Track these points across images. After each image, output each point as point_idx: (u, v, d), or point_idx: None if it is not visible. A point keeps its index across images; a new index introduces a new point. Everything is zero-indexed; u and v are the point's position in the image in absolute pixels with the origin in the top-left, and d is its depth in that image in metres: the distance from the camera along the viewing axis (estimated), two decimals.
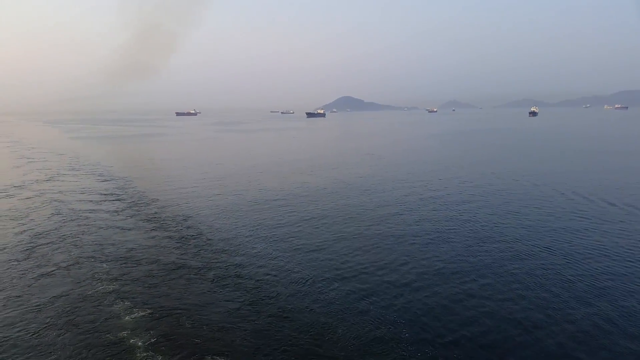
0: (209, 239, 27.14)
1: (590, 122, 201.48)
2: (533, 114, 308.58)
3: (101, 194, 40.56)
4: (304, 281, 20.63)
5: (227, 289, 19.82)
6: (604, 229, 28.49)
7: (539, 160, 65.04)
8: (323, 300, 18.61)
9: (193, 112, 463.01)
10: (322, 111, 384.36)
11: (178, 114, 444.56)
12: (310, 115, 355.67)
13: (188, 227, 29.80)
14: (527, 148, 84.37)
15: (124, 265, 22.89)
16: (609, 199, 36.71)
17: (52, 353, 14.81)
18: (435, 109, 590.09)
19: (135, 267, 22.61)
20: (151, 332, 16.13)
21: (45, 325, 16.59)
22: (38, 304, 18.35)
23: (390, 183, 46.00)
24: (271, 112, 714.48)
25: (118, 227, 29.80)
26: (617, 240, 26.19)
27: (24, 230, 28.90)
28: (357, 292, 19.46)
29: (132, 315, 17.34)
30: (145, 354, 14.70)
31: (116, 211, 34.28)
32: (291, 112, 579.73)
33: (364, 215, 33.03)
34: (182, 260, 23.44)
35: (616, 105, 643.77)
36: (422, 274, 21.41)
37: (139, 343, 15.41)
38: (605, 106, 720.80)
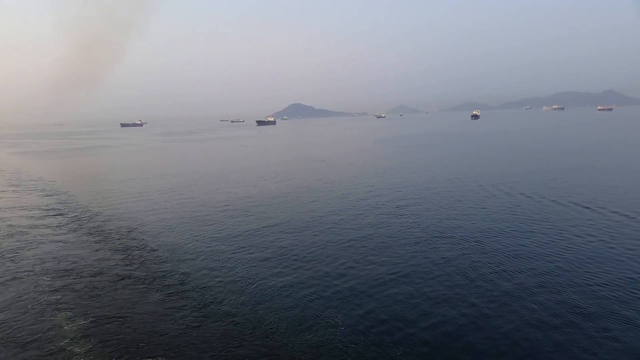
0: (153, 249, 27.63)
1: (525, 124, 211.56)
2: (475, 117, 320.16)
3: (42, 210, 39.97)
4: (246, 286, 21.57)
5: (172, 297, 20.47)
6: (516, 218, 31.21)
7: (468, 158, 68.58)
8: (266, 303, 19.66)
9: (139, 122, 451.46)
10: (272, 119, 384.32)
11: (123, 125, 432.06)
12: (260, 123, 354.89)
13: (132, 239, 30.12)
14: (462, 148, 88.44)
15: (65, 277, 23.11)
16: (529, 193, 39.77)
17: None
18: (383, 115, 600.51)
19: (77, 279, 22.91)
20: (92, 340, 16.69)
21: None
22: None
23: (332, 187, 47.64)
24: (221, 120, 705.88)
25: (60, 241, 29.77)
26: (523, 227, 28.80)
27: None
28: (299, 294, 20.63)
29: (74, 325, 17.82)
30: None
31: (58, 226, 34.06)
32: (241, 120, 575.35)
33: (308, 220, 34.29)
34: (125, 271, 23.89)
35: (554, 106, 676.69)
36: (364, 276, 22.90)
37: (80, 351, 15.94)
38: (544, 107, 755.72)
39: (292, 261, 24.92)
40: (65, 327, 17.71)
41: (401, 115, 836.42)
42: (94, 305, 19.88)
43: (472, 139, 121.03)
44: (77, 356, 15.71)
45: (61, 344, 16.51)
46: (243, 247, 27.66)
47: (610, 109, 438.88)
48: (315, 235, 30.04)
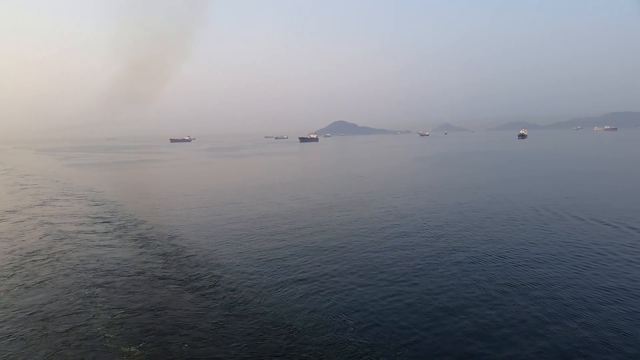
0: (190, 255, 29.16)
1: (576, 144, 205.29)
2: (522, 136, 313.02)
3: (90, 217, 42.49)
4: (273, 292, 22.68)
5: (202, 296, 21.88)
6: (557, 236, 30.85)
7: (512, 179, 67.53)
8: (289, 307, 20.74)
9: (187, 138, 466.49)
10: (314, 135, 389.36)
11: (172, 140, 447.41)
12: (303, 140, 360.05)
13: (172, 245, 31.78)
14: (506, 169, 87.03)
15: (106, 276, 25.01)
16: (581, 216, 39.09)
17: (35, 353, 16.72)
18: (427, 133, 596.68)
19: (117, 277, 24.78)
20: (125, 327, 18.48)
21: (31, 329, 18.61)
22: (24, 310, 20.40)
23: (369, 203, 48.28)
24: (265, 137, 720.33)
25: (104, 245, 31.86)
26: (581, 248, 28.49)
27: (14, 250, 30.89)
28: (321, 300, 21.57)
29: (109, 314, 19.72)
30: (117, 349, 16.72)
31: (104, 232, 36.24)
32: (285, 137, 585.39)
33: (344, 232, 35.16)
34: (162, 273, 25.51)
35: (606, 127, 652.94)
36: (405, 292, 23.54)
37: (112, 336, 17.77)
38: (596, 128, 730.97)
39: (316, 269, 25.92)
40: (102, 316, 19.55)
41: (446, 133, 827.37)
42: (130, 299, 21.62)
43: (515, 158, 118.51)
44: (110, 339, 17.45)
45: (98, 329, 18.32)
46: (272, 256, 28.80)
47: None
48: (342, 247, 30.81)
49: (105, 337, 17.76)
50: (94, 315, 19.73)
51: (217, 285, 23.37)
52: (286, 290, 22.55)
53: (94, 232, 36.37)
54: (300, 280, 24.05)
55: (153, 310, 20.32)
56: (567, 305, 19.96)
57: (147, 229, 37.16)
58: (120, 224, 39.28)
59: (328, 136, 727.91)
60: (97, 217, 42.44)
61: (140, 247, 31.31)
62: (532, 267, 25.36)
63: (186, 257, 28.85)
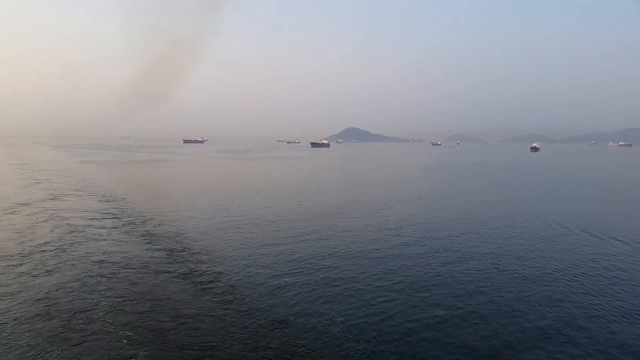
0: (194, 252, 30.08)
1: (588, 159, 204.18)
2: (534, 149, 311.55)
3: (100, 213, 43.70)
4: (272, 290, 23.57)
5: (202, 291, 22.81)
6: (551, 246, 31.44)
7: (513, 192, 67.91)
8: (285, 304, 21.64)
9: (200, 139, 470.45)
10: (326, 141, 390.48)
11: (186, 141, 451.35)
12: (314, 145, 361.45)
13: (177, 242, 32.74)
14: (513, 181, 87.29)
15: (112, 267, 26.11)
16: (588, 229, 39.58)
17: (39, 336, 17.73)
18: (439, 142, 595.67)
19: (122, 269, 25.86)
20: (125, 315, 19.55)
21: (35, 313, 19.69)
22: (31, 296, 21.51)
23: (372, 208, 49.10)
24: (277, 141, 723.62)
25: (112, 240, 32.95)
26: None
27: (25, 241, 32.08)
28: (317, 299, 22.42)
29: (112, 302, 20.87)
30: (116, 334, 17.71)
31: (113, 227, 37.34)
32: (297, 141, 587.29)
33: (344, 236, 35.95)
34: (165, 267, 26.47)
35: (620, 143, 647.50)
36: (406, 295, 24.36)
37: (113, 321, 18.90)
38: (610, 143, 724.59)
39: (314, 270, 26.74)
40: (104, 303, 20.76)
41: (458, 143, 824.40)
42: (133, 290, 22.69)
43: (524, 171, 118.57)
44: (109, 324, 18.63)
45: (99, 315, 19.52)
46: (273, 256, 29.65)
47: None
48: (340, 250, 31.57)
49: (105, 322, 18.85)
50: (96, 303, 20.82)
51: (218, 281, 24.29)
52: (283, 288, 23.37)
53: (103, 227, 37.52)
54: (297, 279, 24.85)
55: (154, 300, 21.35)
56: (569, 315, 20.68)
57: (155, 226, 38.21)
58: (128, 220, 40.38)
59: (340, 142, 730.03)
60: (106, 213, 43.63)
61: (147, 243, 32.34)
62: (527, 276, 26.03)
63: (190, 253, 29.79)
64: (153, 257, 28.69)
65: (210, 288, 23.19)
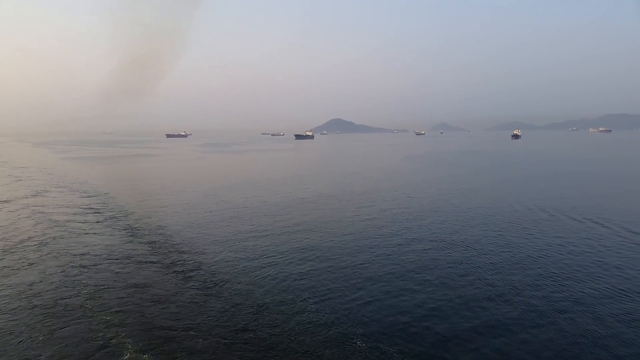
0: (176, 243, 30.92)
1: (567, 145, 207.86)
2: (516, 136, 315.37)
3: (83, 208, 44.14)
4: (248, 276, 24.59)
5: (183, 279, 23.66)
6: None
7: (492, 177, 69.70)
8: (262, 289, 22.64)
9: (183, 133, 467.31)
10: (310, 133, 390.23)
11: (168, 135, 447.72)
12: (298, 137, 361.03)
13: (159, 234, 33.47)
14: (492, 168, 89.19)
15: (93, 259, 26.95)
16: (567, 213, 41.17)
17: (22, 325, 18.48)
18: (423, 132, 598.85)
19: (103, 261, 26.67)
20: (105, 301, 20.49)
21: (18, 303, 20.41)
22: (13, 288, 22.23)
23: (352, 198, 50.36)
24: (262, 133, 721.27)
25: (94, 233, 33.61)
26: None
27: (6, 237, 32.60)
28: (292, 281, 23.45)
29: (93, 290, 21.82)
30: (99, 323, 18.56)
31: (96, 221, 37.89)
32: (281, 134, 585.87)
33: (321, 225, 37.11)
34: (147, 258, 27.26)
35: (600, 128, 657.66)
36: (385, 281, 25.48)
37: (93, 306, 19.89)
38: (591, 129, 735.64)
39: (290, 256, 27.87)
40: (85, 291, 21.80)
41: (441, 133, 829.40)
42: (115, 279, 23.56)
43: (503, 158, 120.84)
44: (90, 309, 19.67)
45: (80, 301, 20.51)
46: (252, 245, 30.65)
47: None
48: (316, 238, 32.74)
49: (86, 308, 19.77)
50: (78, 291, 21.70)
51: (199, 270, 25.13)
52: (262, 275, 24.29)
53: (85, 221, 38.05)
54: (275, 267, 25.78)
55: (135, 288, 22.22)
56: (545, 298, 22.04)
57: (137, 220, 38.84)
58: (111, 215, 40.92)
59: (324, 134, 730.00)
60: (89, 208, 44.10)
61: (130, 236, 33.04)
62: (506, 259, 27.43)
63: (172, 244, 30.58)
64: (135, 249, 29.44)
65: (192, 276, 24.04)
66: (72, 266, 25.50)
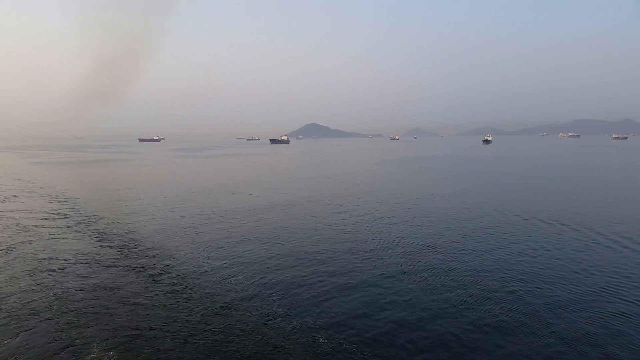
0: (145, 248, 30.97)
1: (535, 150, 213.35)
2: (487, 141, 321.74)
3: (52, 213, 43.70)
4: (216, 279, 25.00)
5: (151, 283, 23.87)
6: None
7: (462, 183, 71.54)
8: (230, 292, 23.08)
9: (157, 138, 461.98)
10: (286, 138, 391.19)
11: (141, 140, 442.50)
12: (274, 141, 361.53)
13: (130, 239, 33.47)
14: (462, 173, 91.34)
15: (61, 263, 26.99)
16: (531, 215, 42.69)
17: None
18: (397, 137, 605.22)
19: (71, 265, 26.72)
20: (72, 304, 20.63)
21: None
22: None
23: (322, 202, 51.09)
24: (237, 138, 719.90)
25: (63, 238, 33.44)
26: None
27: None
28: (269, 290, 24.04)
29: (61, 292, 22.02)
30: (66, 329, 18.84)
31: (66, 226, 37.64)
32: (257, 138, 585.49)
33: (290, 227, 37.70)
34: (116, 262, 27.37)
35: (569, 134, 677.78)
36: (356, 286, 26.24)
37: (62, 309, 19.97)
38: (560, 134, 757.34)
39: (260, 260, 28.43)
40: (52, 293, 22.00)
41: (415, 137, 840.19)
42: (83, 282, 23.70)
43: (471, 162, 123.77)
44: (58, 312, 19.84)
45: (47, 304, 20.72)
46: (221, 247, 31.14)
47: (626, 138, 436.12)
48: (283, 239, 33.44)
49: (54, 310, 19.99)
50: (45, 294, 21.85)
51: (168, 273, 25.43)
52: (230, 277, 24.75)
53: (54, 226, 37.78)
54: (243, 269, 26.28)
55: (103, 290, 22.44)
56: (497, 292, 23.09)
57: (107, 224, 38.77)
58: (80, 220, 40.69)
59: (300, 138, 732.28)
60: (58, 213, 43.70)
61: (99, 240, 33.03)
62: (457, 254, 28.50)
63: (142, 249, 30.73)
64: (105, 253, 29.53)
65: (161, 280, 24.33)
66: (40, 270, 25.49)
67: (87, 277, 24.56)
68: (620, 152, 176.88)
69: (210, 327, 18.67)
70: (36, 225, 37.83)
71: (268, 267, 26.64)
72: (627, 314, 19.84)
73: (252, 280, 24.29)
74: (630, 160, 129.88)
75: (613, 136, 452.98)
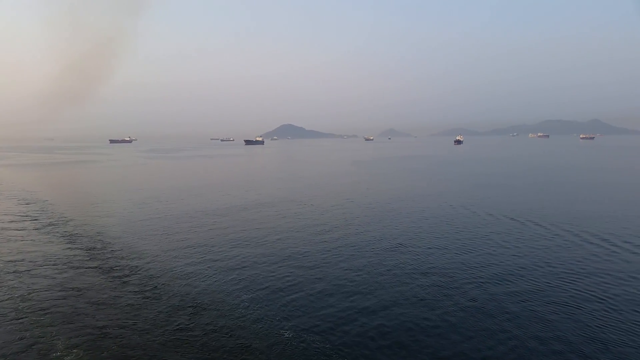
0: (114, 249, 30.98)
1: (505, 150, 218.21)
2: (458, 142, 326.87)
3: (20, 216, 43.14)
4: (183, 280, 25.29)
5: (119, 284, 24.01)
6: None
7: (432, 182, 73.22)
8: (200, 295, 23.50)
9: (128, 139, 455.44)
10: (260, 139, 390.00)
11: (112, 141, 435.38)
12: (248, 142, 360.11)
13: (98, 241, 33.37)
14: (431, 173, 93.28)
15: (28, 264, 26.95)
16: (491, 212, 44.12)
17: None
18: (372, 137, 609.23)
19: (38, 266, 26.69)
20: (38, 304, 20.72)
21: None
22: None
23: (294, 202, 51.71)
24: (211, 139, 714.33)
25: (30, 240, 33.23)
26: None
27: None
28: (227, 283, 24.45)
29: (26, 293, 22.06)
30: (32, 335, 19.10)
31: (34, 228, 37.30)
32: (231, 139, 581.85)
33: (263, 227, 38.18)
34: (84, 263, 27.38)
35: (539, 134, 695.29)
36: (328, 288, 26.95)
37: (28, 309, 20.03)
38: (530, 134, 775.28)
39: (227, 259, 28.80)
40: (18, 295, 22.06)
41: (389, 138, 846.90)
42: (50, 283, 23.78)
43: (441, 162, 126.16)
44: (23, 312, 19.98)
45: (12, 305, 20.76)
46: (189, 248, 31.39)
47: (592, 138, 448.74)
48: (255, 242, 33.80)
49: (19, 310, 20.09)
50: (11, 295, 21.90)
51: (137, 274, 25.60)
52: (199, 277, 25.08)
53: (22, 228, 37.43)
54: (211, 268, 26.63)
55: (71, 291, 22.55)
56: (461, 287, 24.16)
57: (76, 227, 38.55)
58: (49, 222, 40.35)
59: (275, 139, 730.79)
60: (25, 216, 43.22)
61: (68, 242, 32.91)
62: (422, 250, 29.52)
63: (111, 250, 30.80)
64: (73, 255, 29.50)
65: (130, 280, 24.48)
66: (6, 272, 25.36)
67: (54, 278, 24.62)
68: (584, 152, 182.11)
69: (178, 325, 19.01)
70: (3, 228, 37.43)
71: (236, 266, 27.08)
72: (579, 302, 20.98)
73: (220, 279, 24.69)
74: (591, 159, 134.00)
75: (581, 136, 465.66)
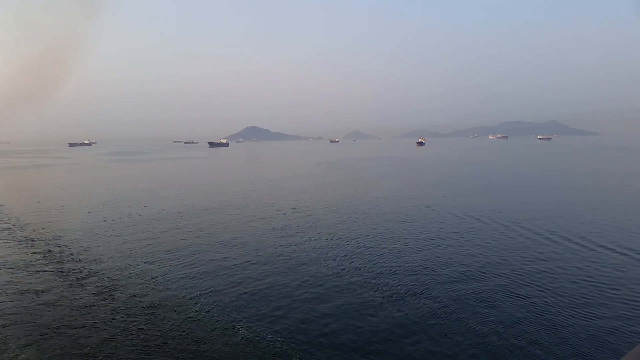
0: (72, 252, 30.82)
1: (462, 150, 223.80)
2: (420, 143, 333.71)
3: None
4: (143, 281, 25.54)
5: (77, 287, 24.08)
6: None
7: (391, 182, 74.83)
8: (157, 293, 23.75)
9: (87, 142, 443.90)
10: (225, 141, 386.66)
11: (71, 144, 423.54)
12: (212, 145, 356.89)
13: (56, 244, 33.06)
14: (393, 172, 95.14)
15: None
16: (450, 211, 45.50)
17: None
18: (337, 139, 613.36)
19: None
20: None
21: None
22: None
23: (256, 203, 52.06)
24: (174, 141, 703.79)
25: None
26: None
27: None
28: (189, 283, 24.80)
29: None
30: None
31: None
32: (195, 142, 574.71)
33: (221, 228, 38.46)
34: (41, 267, 27.21)
35: (498, 135, 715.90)
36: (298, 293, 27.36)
37: None
38: (490, 136, 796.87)
39: (185, 259, 29.17)
40: None
41: (355, 140, 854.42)
42: (3, 286, 23.71)
43: (401, 162, 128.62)
44: None
45: None
46: (146, 250, 31.57)
47: (549, 138, 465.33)
48: (214, 241, 34.19)
49: None
50: None
51: (95, 276, 25.63)
52: (155, 278, 25.33)
53: None
54: (168, 269, 26.94)
55: (27, 293, 22.55)
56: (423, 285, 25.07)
57: (33, 230, 37.95)
58: (5, 227, 39.47)
59: (240, 141, 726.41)
60: None
61: (24, 247, 32.45)
62: (389, 253, 30.54)
63: (69, 254, 30.56)
64: (30, 259, 29.19)
65: (87, 283, 24.52)
66: None
67: (9, 282, 24.39)
68: (541, 152, 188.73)
69: (136, 325, 19.29)
70: None
71: (192, 267, 27.37)
72: (530, 293, 22.36)
73: (177, 280, 24.96)
74: (549, 159, 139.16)
75: (539, 137, 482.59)
